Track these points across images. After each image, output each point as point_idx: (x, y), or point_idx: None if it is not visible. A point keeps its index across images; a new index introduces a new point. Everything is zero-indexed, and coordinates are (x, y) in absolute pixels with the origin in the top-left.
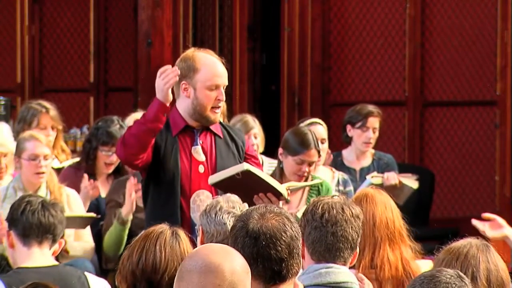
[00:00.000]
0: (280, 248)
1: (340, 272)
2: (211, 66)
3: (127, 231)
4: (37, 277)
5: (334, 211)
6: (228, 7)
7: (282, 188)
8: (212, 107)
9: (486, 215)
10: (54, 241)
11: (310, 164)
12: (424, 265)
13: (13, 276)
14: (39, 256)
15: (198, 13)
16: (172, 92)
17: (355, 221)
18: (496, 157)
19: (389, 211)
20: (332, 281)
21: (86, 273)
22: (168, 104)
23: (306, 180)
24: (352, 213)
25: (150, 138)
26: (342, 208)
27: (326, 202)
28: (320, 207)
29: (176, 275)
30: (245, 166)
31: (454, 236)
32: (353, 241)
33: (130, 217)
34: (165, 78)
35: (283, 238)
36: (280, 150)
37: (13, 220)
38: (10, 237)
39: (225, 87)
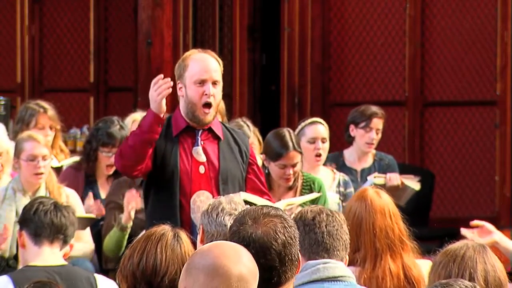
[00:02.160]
0: (270, 257)
1: (337, 267)
2: (198, 62)
3: (127, 236)
4: (45, 275)
5: (324, 214)
6: (228, 7)
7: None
8: (203, 106)
9: (475, 222)
10: (65, 242)
11: (293, 166)
12: (424, 265)
13: (21, 274)
14: (49, 255)
15: (198, 13)
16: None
17: (343, 227)
18: (496, 157)
19: (388, 218)
20: (330, 276)
21: (95, 274)
22: (162, 115)
23: (295, 181)
24: (340, 217)
25: (146, 149)
26: (329, 212)
27: (311, 210)
28: (308, 212)
29: (185, 267)
30: (242, 195)
31: (454, 237)
32: (346, 242)
33: (130, 224)
34: (158, 89)
35: (273, 247)
36: (263, 156)
37: (25, 220)
38: (21, 237)
39: (217, 84)
